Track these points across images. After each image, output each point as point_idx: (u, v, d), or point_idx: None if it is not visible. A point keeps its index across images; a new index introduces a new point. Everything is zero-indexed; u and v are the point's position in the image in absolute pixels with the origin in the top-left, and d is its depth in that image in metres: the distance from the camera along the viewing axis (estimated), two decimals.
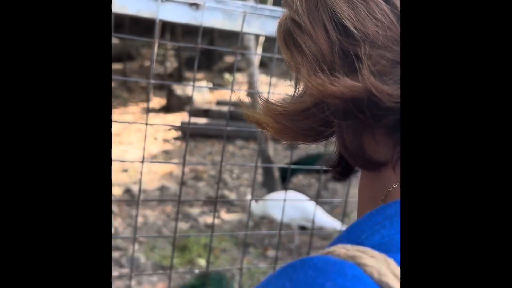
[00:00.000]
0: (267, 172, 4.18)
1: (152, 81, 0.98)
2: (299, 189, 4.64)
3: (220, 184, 4.75)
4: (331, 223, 3.27)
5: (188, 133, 6.56)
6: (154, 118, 7.95)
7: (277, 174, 4.17)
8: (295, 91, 0.40)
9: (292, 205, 3.22)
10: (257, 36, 4.18)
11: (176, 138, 6.60)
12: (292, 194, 3.49)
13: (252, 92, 3.83)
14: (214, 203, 1.01)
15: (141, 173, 1.15)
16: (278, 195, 3.52)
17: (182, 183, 1.10)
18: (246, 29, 0.77)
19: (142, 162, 0.95)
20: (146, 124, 0.99)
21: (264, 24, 0.77)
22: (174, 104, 8.20)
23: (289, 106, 0.38)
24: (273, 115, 0.38)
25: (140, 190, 1.01)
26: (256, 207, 3.51)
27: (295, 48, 0.36)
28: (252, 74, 3.89)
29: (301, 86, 0.39)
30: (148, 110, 0.99)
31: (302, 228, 3.51)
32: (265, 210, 3.38)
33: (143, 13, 0.79)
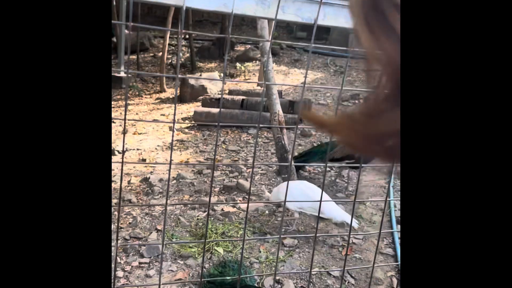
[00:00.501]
0: (283, 160, 4.17)
1: (180, 76, 0.97)
2: (313, 177, 4.62)
3: (235, 173, 4.76)
4: (341, 216, 3.26)
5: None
6: (167, 108, 7.96)
7: (292, 162, 4.15)
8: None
9: (302, 194, 3.24)
10: (269, 24, 4.12)
11: (191, 128, 6.60)
12: (304, 184, 3.51)
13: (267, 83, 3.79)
14: (247, 194, 1.00)
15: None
16: (291, 184, 3.53)
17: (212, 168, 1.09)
18: (280, 16, 0.73)
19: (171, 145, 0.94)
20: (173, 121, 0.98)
21: (300, 10, 0.72)
22: (187, 94, 8.19)
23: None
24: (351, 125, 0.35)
25: (169, 179, 1.01)
26: (272, 196, 3.54)
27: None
28: (266, 63, 3.86)
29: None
30: (175, 103, 0.97)
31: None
32: (277, 198, 3.42)
33: (168, 1, 0.77)
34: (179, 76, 1.00)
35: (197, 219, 3.67)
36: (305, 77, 1.02)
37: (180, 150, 5.60)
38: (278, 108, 3.88)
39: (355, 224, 3.24)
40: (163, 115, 7.48)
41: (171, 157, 1.28)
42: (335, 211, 3.28)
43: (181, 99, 8.33)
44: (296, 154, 4.60)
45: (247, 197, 4.06)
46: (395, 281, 2.87)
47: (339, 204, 3.63)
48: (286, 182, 3.60)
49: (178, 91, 8.55)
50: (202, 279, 2.78)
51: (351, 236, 3.44)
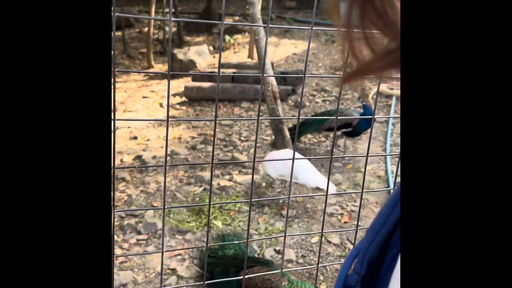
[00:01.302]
0: (278, 132, 4.10)
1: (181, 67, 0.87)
2: (309, 148, 4.58)
3: (229, 147, 4.69)
4: (315, 181, 3.23)
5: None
6: (157, 85, 7.80)
7: (287, 134, 4.09)
8: None
9: (283, 163, 3.26)
10: None
11: (182, 103, 6.49)
12: (286, 152, 3.51)
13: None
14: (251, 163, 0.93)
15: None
16: (277, 154, 3.54)
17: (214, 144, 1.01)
18: None
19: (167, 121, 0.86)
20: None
21: None
22: (176, 69, 8.02)
23: None
24: None
25: (166, 154, 0.93)
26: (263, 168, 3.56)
27: None
28: (257, 31, 3.73)
29: None
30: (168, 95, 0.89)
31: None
32: (263, 167, 3.45)
33: None
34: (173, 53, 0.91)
35: (194, 194, 3.62)
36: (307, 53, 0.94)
37: (172, 127, 5.50)
38: (271, 78, 3.78)
39: (333, 189, 3.25)
40: (153, 91, 7.33)
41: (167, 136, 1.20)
42: (308, 177, 3.26)
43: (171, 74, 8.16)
44: (290, 125, 4.54)
45: (243, 170, 4.01)
46: None
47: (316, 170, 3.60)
48: (271, 153, 3.59)
49: (167, 67, 8.36)
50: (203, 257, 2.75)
51: (349, 204, 3.43)
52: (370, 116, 3.99)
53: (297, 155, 3.46)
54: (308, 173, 3.31)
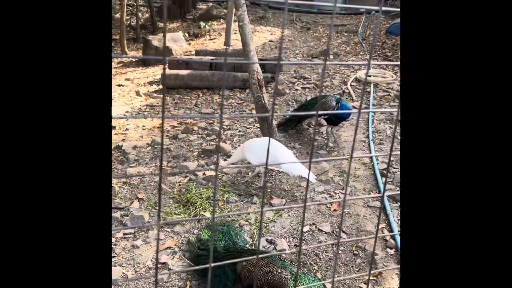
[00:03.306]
0: (263, 121, 4.03)
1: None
2: (291, 136, 4.54)
3: (212, 136, 4.59)
4: (298, 170, 3.22)
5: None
6: (132, 72, 7.55)
7: (274, 123, 4.03)
8: None
9: (263, 150, 3.26)
10: None
11: (159, 92, 6.30)
12: (265, 140, 3.49)
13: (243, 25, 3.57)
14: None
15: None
16: (258, 141, 3.52)
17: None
18: None
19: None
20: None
21: None
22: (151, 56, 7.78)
23: None
24: None
25: (163, 147, 0.84)
26: (235, 153, 3.51)
27: None
28: (242, 17, 3.62)
29: None
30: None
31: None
32: (243, 154, 3.39)
33: None
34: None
35: (179, 185, 3.51)
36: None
37: (150, 116, 5.33)
38: (256, 65, 3.69)
39: (312, 178, 3.26)
40: (128, 79, 7.08)
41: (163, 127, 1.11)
42: (291, 166, 3.24)
43: (145, 61, 7.91)
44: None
45: (227, 159, 3.92)
46: (386, 232, 2.88)
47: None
48: (248, 141, 3.54)
49: (141, 54, 8.10)
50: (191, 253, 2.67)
51: (337, 192, 3.42)
52: (351, 111, 3.95)
53: (273, 142, 3.43)
54: (292, 165, 3.28)
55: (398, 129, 4.48)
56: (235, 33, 8.29)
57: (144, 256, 2.69)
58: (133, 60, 8.05)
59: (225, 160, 3.93)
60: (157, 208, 3.17)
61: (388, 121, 4.87)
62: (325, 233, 2.91)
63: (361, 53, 8.00)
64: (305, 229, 2.94)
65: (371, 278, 2.50)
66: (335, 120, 4.12)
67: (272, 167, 3.45)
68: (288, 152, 3.38)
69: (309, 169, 0.80)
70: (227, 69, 6.35)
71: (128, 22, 9.80)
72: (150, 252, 2.71)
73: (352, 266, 2.61)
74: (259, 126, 4.39)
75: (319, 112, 0.69)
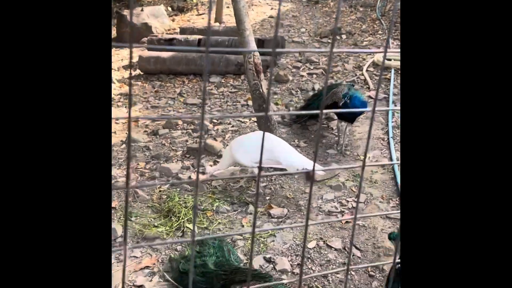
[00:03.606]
0: (261, 112, 4.01)
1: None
2: (295, 131, 4.52)
3: (201, 132, 4.57)
4: (301, 162, 3.20)
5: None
6: None
7: (273, 117, 4.01)
8: None
9: (256, 146, 3.19)
10: None
11: (137, 77, 6.26)
12: (258, 134, 3.45)
13: None
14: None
15: None
16: (242, 138, 3.50)
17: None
18: None
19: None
20: None
21: None
22: (127, 35, 7.73)
23: None
24: None
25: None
26: (223, 157, 3.47)
27: None
28: None
29: None
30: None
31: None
32: (232, 156, 3.33)
33: None
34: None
35: (160, 191, 3.49)
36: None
37: (125, 107, 5.31)
38: (253, 46, 3.66)
39: (320, 172, 3.25)
40: None
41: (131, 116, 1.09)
42: (292, 158, 3.23)
43: (118, 41, 7.86)
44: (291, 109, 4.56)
45: (218, 160, 3.90)
46: None
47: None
48: (235, 139, 3.52)
49: (115, 32, 8.07)
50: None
51: (350, 200, 3.41)
52: (365, 109, 3.93)
53: (268, 135, 3.40)
54: (291, 155, 3.26)
55: None
56: (227, 7, 8.24)
57: (116, 277, 2.67)
58: None
59: (215, 161, 3.91)
60: (132, 219, 3.16)
61: None
62: (335, 250, 2.90)
63: (380, 31, 7.98)
64: (311, 245, 2.93)
65: None
66: (348, 117, 4.05)
67: (269, 165, 3.40)
68: (287, 145, 3.36)
69: (313, 170, 0.78)
70: (218, 51, 6.31)
71: None
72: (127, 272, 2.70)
73: None
74: (256, 120, 4.38)
75: (324, 111, 0.67)
